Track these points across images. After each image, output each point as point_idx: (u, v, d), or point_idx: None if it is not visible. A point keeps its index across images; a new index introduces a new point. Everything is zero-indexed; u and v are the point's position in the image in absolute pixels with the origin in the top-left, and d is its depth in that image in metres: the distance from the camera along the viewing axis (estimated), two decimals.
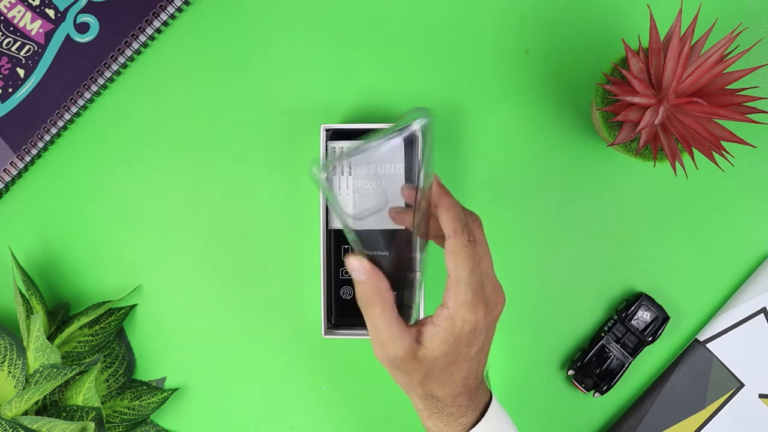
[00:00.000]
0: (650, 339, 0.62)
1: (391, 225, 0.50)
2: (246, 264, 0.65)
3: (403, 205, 0.50)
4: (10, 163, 0.64)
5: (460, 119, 0.64)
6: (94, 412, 0.60)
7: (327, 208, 0.61)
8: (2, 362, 0.60)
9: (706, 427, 0.63)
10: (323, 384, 0.65)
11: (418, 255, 0.49)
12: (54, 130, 0.64)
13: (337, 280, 0.61)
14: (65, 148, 0.65)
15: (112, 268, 0.65)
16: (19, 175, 0.65)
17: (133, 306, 0.65)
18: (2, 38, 0.64)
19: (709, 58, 0.51)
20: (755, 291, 0.63)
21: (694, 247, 0.64)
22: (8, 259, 0.65)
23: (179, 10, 0.64)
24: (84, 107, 0.65)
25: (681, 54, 0.51)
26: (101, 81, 0.64)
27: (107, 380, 0.63)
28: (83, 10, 0.64)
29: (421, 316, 0.59)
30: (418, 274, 0.50)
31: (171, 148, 0.65)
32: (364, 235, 0.47)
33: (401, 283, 0.49)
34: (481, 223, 0.48)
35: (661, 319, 0.62)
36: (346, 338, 0.64)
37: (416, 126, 0.44)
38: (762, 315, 0.62)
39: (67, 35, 0.64)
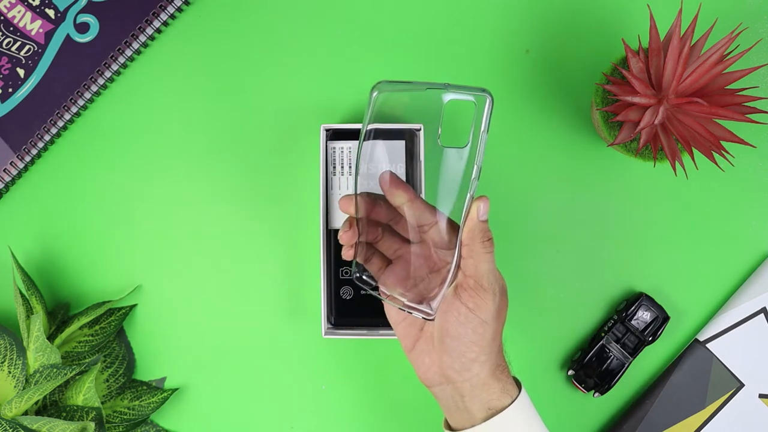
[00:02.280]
0: (650, 339, 0.62)
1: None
2: (246, 264, 0.65)
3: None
4: (10, 163, 0.64)
5: (459, 120, 0.64)
6: (94, 412, 0.60)
7: (327, 208, 0.61)
8: (2, 362, 0.60)
9: (706, 427, 0.63)
10: (323, 384, 0.65)
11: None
12: (54, 130, 0.64)
13: (337, 280, 0.61)
14: (65, 148, 0.65)
15: (112, 268, 0.65)
16: (19, 175, 0.65)
17: (133, 306, 0.65)
18: (2, 38, 0.64)
19: (709, 58, 0.51)
20: (755, 291, 0.63)
21: (694, 247, 0.64)
22: (8, 259, 0.65)
23: (179, 10, 0.64)
24: (84, 107, 0.65)
25: (681, 54, 0.51)
26: (101, 81, 0.64)
27: (107, 380, 0.63)
28: (83, 10, 0.64)
29: None
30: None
31: (171, 148, 0.65)
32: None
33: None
34: None
35: (661, 319, 0.62)
36: (346, 338, 0.64)
37: (488, 104, 0.46)
38: (762, 315, 0.62)
39: (67, 35, 0.64)
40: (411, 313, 0.48)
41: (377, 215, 0.50)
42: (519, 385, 0.51)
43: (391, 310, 0.52)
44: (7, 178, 0.64)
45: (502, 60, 0.64)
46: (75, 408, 0.60)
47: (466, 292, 0.48)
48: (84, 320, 0.62)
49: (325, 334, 0.60)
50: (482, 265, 0.47)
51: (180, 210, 0.65)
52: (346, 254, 0.50)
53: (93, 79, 0.64)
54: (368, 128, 0.48)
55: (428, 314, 0.48)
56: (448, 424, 0.52)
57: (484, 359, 0.48)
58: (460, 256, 0.48)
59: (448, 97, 0.47)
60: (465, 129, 0.47)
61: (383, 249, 0.51)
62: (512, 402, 0.49)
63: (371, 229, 0.50)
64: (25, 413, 0.59)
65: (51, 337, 0.61)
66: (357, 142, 0.61)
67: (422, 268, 0.49)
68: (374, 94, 0.47)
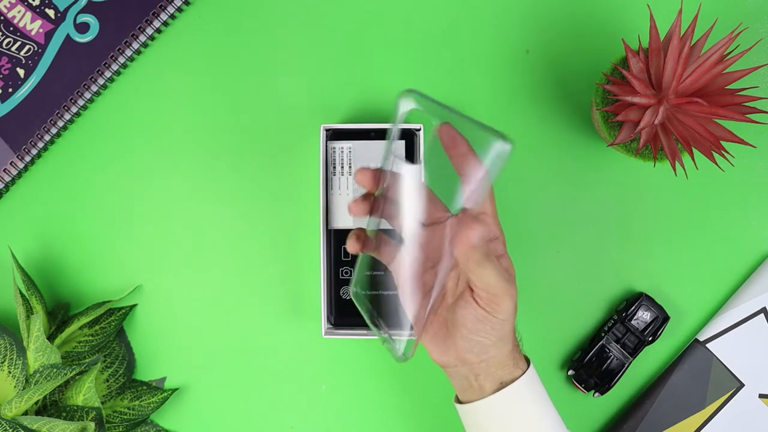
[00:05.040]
0: (650, 339, 0.62)
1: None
2: (246, 264, 0.65)
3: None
4: (10, 163, 0.64)
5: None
6: (94, 412, 0.60)
7: (327, 208, 0.61)
8: (2, 362, 0.60)
9: (706, 427, 0.63)
10: (323, 384, 0.65)
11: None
12: (54, 130, 0.64)
13: (337, 280, 0.61)
14: (65, 148, 0.65)
15: (112, 268, 0.65)
16: (19, 175, 0.65)
17: (133, 306, 0.65)
18: (2, 38, 0.64)
19: (709, 58, 0.51)
20: (755, 291, 0.63)
21: (694, 247, 0.64)
22: (8, 259, 0.65)
23: (179, 10, 0.64)
24: (84, 107, 0.65)
25: (681, 54, 0.51)
26: (101, 81, 0.64)
27: (107, 380, 0.63)
28: (83, 10, 0.64)
29: None
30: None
31: (171, 148, 0.65)
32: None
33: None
34: None
35: (661, 319, 0.62)
36: (346, 338, 0.64)
37: (499, 146, 0.43)
38: (762, 315, 0.62)
39: (67, 35, 0.64)
40: (390, 344, 0.49)
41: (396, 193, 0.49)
42: (528, 361, 0.52)
43: (405, 293, 0.51)
44: (7, 178, 0.64)
45: (502, 60, 0.64)
46: (75, 408, 0.60)
47: (481, 300, 0.47)
48: (84, 320, 0.62)
49: (325, 334, 0.60)
50: (486, 279, 0.46)
51: (180, 210, 0.65)
52: (351, 246, 0.50)
53: (93, 79, 0.64)
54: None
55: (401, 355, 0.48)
56: (458, 399, 0.53)
57: (501, 344, 0.49)
58: (442, 285, 0.46)
59: (396, 142, 0.46)
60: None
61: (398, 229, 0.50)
62: (522, 375, 0.50)
63: (389, 206, 0.49)
64: (25, 413, 0.59)
65: (51, 337, 0.61)
66: (357, 142, 0.61)
67: (437, 251, 0.48)
68: (403, 104, 0.45)
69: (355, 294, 0.52)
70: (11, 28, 0.64)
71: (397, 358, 0.49)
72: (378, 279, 0.56)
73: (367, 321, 0.51)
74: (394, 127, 0.46)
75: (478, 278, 0.46)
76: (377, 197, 0.49)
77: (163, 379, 0.65)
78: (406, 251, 0.49)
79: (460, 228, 0.44)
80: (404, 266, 0.49)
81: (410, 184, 0.48)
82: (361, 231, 0.51)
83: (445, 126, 0.46)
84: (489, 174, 0.43)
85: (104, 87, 0.65)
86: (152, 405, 0.63)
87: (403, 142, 0.60)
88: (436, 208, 0.49)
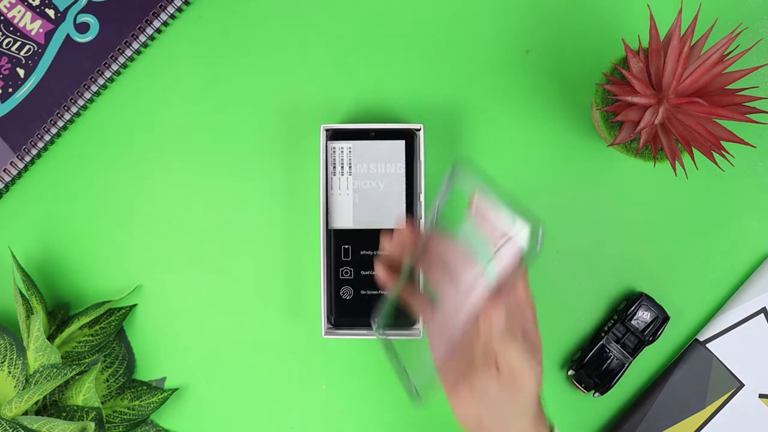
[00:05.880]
0: (650, 339, 0.62)
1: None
2: (246, 264, 0.65)
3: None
4: (10, 163, 0.64)
5: (459, 119, 0.64)
6: (94, 412, 0.60)
7: (327, 208, 0.61)
8: (2, 362, 0.60)
9: (706, 427, 0.63)
10: (323, 384, 0.65)
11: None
12: (54, 130, 0.64)
13: (337, 280, 0.61)
14: (65, 148, 0.65)
15: (112, 268, 0.65)
16: (19, 175, 0.65)
17: (133, 306, 0.65)
18: (2, 38, 0.64)
19: (709, 58, 0.51)
20: (755, 291, 0.63)
21: (694, 247, 0.64)
22: (8, 259, 0.65)
23: (179, 10, 0.64)
24: (84, 107, 0.65)
25: (681, 54, 0.51)
26: (101, 81, 0.64)
27: (107, 380, 0.63)
28: (83, 10, 0.64)
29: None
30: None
31: (171, 148, 0.65)
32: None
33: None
34: None
35: (661, 319, 0.62)
36: (346, 338, 0.64)
37: (525, 232, 0.44)
38: (762, 315, 0.62)
39: (67, 35, 0.64)
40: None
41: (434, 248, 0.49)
42: (552, 429, 0.51)
43: (437, 346, 0.50)
44: (7, 178, 0.64)
45: (502, 60, 0.64)
46: (75, 408, 0.60)
47: (503, 375, 0.47)
48: (84, 320, 0.62)
49: (325, 334, 0.60)
50: (508, 358, 0.46)
51: (180, 210, 0.65)
52: (380, 272, 0.50)
53: (93, 79, 0.64)
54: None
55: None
56: None
57: (522, 416, 0.48)
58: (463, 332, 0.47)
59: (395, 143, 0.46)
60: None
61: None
62: None
63: (429, 266, 0.48)
64: (25, 413, 0.59)
65: (51, 337, 0.61)
66: (357, 142, 0.61)
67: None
68: (456, 172, 0.46)
69: (381, 336, 0.52)
70: (11, 28, 0.64)
71: (411, 398, 0.49)
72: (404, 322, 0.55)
73: (387, 357, 0.51)
74: (443, 190, 0.47)
75: (500, 355, 0.46)
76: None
77: (163, 379, 0.65)
78: (445, 316, 0.49)
79: (486, 305, 0.45)
80: (440, 330, 0.49)
81: (457, 256, 0.48)
82: (391, 261, 0.50)
83: (479, 197, 0.46)
84: (523, 255, 0.44)
85: (104, 87, 0.65)
86: (152, 405, 0.63)
87: (403, 142, 0.60)
88: (474, 271, 0.48)
